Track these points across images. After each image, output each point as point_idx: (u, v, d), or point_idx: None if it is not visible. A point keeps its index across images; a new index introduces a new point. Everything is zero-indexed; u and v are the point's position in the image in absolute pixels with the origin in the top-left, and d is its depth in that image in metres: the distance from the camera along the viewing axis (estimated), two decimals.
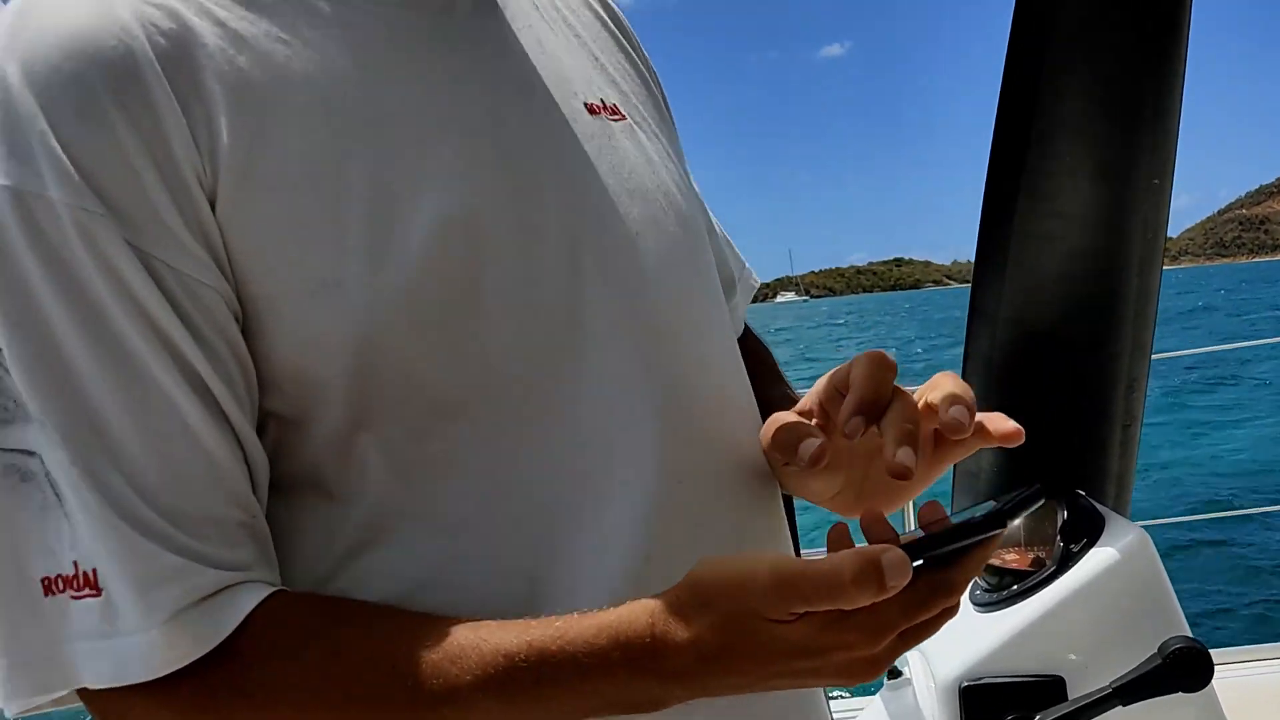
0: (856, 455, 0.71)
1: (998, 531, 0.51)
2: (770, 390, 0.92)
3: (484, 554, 0.71)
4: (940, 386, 0.67)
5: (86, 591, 0.61)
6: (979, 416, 0.66)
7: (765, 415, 0.85)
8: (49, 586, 0.60)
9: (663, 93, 0.93)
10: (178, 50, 0.63)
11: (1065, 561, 1.05)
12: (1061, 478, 1.21)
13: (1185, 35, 0.90)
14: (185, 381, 0.62)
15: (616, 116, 0.78)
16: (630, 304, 0.73)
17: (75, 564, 0.61)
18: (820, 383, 0.72)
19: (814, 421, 0.71)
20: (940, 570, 0.53)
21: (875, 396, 0.64)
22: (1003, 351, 1.04)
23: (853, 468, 0.71)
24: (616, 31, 0.91)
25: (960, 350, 1.24)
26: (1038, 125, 0.88)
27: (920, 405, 0.65)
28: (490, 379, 0.70)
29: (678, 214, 0.80)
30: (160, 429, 0.62)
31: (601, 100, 0.78)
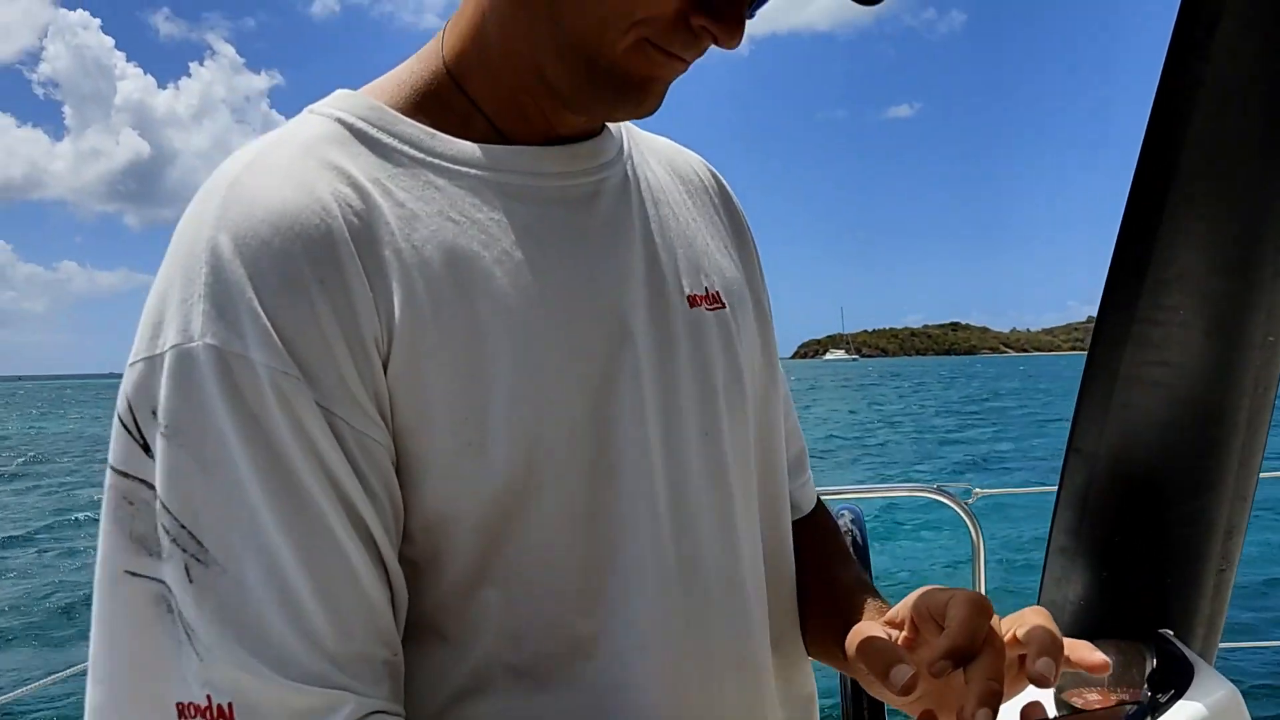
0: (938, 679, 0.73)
1: None
2: (840, 571, 0.99)
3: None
4: (1028, 623, 0.73)
5: None
6: (1066, 645, 0.72)
7: (831, 594, 0.93)
8: (183, 711, 0.65)
9: (759, 261, 1.01)
10: (366, 227, 0.70)
11: (1153, 712, 1.03)
12: (1151, 616, 1.19)
13: None
14: (355, 532, 0.68)
15: (715, 306, 0.88)
16: (696, 492, 0.81)
17: (209, 696, 0.65)
18: (914, 598, 0.78)
19: (903, 634, 0.78)
20: None
21: (969, 644, 0.69)
22: (1099, 489, 1.03)
23: (930, 685, 0.75)
24: (729, 208, 0.99)
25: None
26: (1152, 275, 0.88)
27: (1008, 637, 0.72)
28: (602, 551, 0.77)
29: (749, 409, 0.87)
30: (332, 575, 0.67)
31: (706, 289, 0.88)
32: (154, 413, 0.67)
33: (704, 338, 0.86)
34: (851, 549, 1.70)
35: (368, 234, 0.71)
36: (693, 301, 0.86)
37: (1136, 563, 1.18)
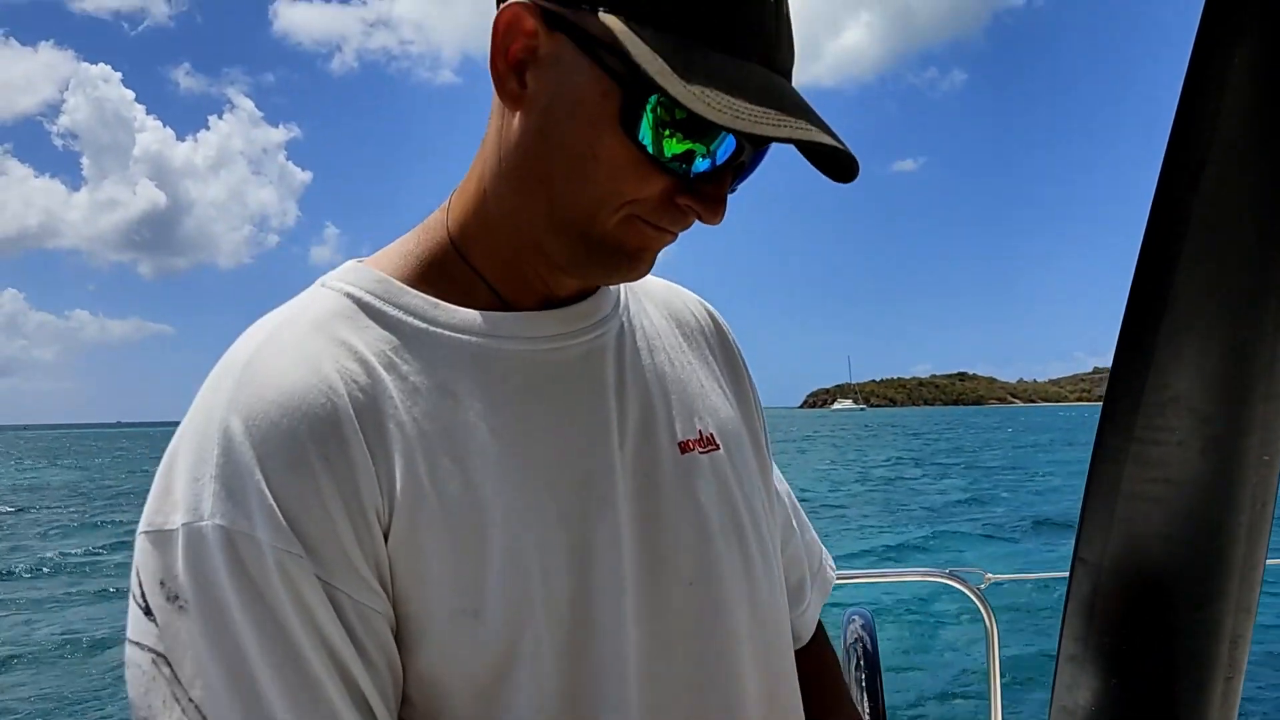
0: None
1: None
2: (834, 712, 1.00)
3: None
4: None
5: None
6: None
7: None
8: None
9: (756, 399, 1.05)
10: (370, 401, 0.76)
11: None
12: None
13: None
14: (353, 701, 0.73)
15: (709, 448, 0.92)
16: (681, 648, 0.85)
17: None
18: None
19: None
20: None
21: None
22: (1105, 599, 1.05)
23: None
24: (725, 348, 1.03)
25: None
26: (1148, 397, 0.92)
27: None
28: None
29: (739, 551, 0.91)
30: None
31: (699, 432, 0.92)
32: (161, 583, 0.71)
33: (696, 482, 0.90)
34: (861, 657, 1.72)
35: (372, 408, 0.76)
36: (684, 447, 0.90)
37: (1145, 671, 1.20)
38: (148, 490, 0.74)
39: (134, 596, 0.72)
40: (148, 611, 0.71)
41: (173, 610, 0.69)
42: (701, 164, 0.76)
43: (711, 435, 0.95)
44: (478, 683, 0.76)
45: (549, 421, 0.83)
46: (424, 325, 0.82)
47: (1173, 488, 1.05)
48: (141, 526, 0.73)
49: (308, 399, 0.73)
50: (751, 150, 0.80)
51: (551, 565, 0.79)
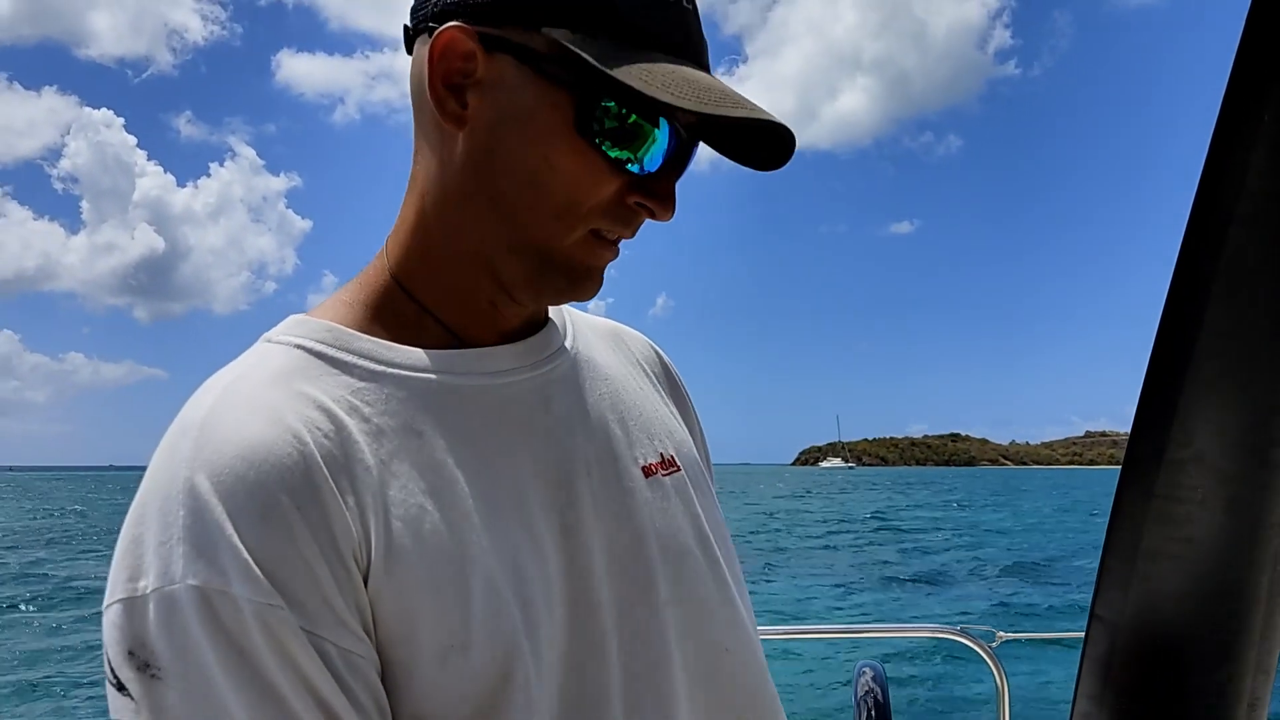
0: None
1: None
2: None
3: None
4: None
5: None
6: None
7: None
8: None
9: (701, 430, 1.08)
10: (337, 447, 0.76)
11: None
12: None
13: None
14: None
15: (670, 470, 0.94)
16: (660, 666, 0.85)
17: None
18: None
19: None
20: None
21: None
22: (1122, 658, 1.05)
23: None
24: (671, 381, 1.07)
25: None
26: (1170, 455, 0.92)
27: None
28: None
29: (712, 568, 0.93)
30: None
31: (660, 454, 0.93)
32: (130, 654, 0.68)
33: (663, 504, 0.91)
34: (872, 708, 1.70)
35: (340, 454, 0.75)
36: (648, 471, 0.92)
37: None
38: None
39: (107, 676, 0.70)
40: (120, 688, 0.69)
41: (145, 680, 0.67)
42: (649, 162, 0.80)
43: (672, 457, 0.97)
44: (475, 715, 0.76)
45: (514, 455, 0.84)
46: (380, 367, 0.81)
47: (1193, 547, 1.05)
48: (107, 600, 0.70)
49: (273, 449, 0.72)
50: (691, 144, 0.83)
51: (532, 595, 0.79)
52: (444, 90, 0.81)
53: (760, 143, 0.82)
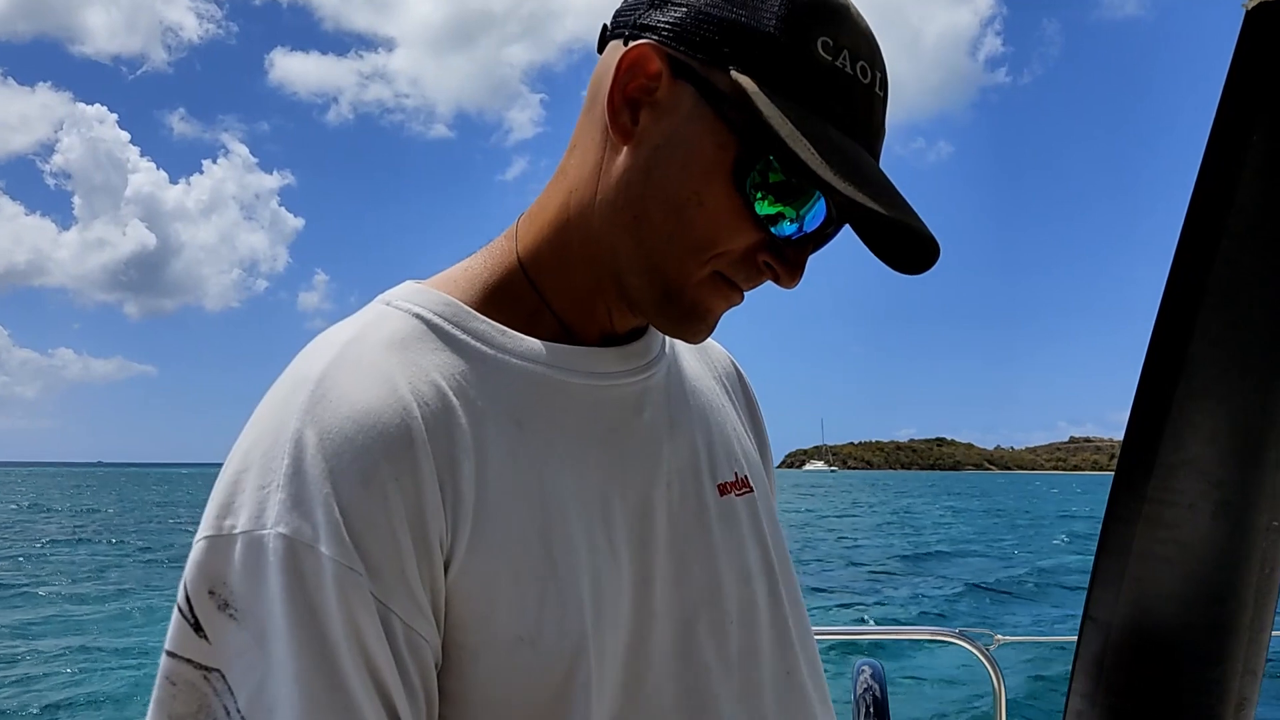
0: None
1: None
2: None
3: None
4: None
5: None
6: None
7: None
8: None
9: (769, 451, 1.09)
10: (441, 427, 0.77)
11: None
12: None
13: None
14: None
15: (743, 490, 0.95)
16: (708, 688, 0.87)
17: None
18: None
19: None
20: None
21: None
22: (1115, 657, 1.08)
23: None
24: (749, 399, 1.08)
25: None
26: (1162, 459, 0.95)
27: None
28: None
29: (773, 591, 0.94)
30: None
31: (735, 474, 0.95)
32: (211, 592, 0.70)
33: (735, 523, 0.93)
34: (871, 706, 1.72)
35: (443, 434, 0.76)
36: (723, 490, 0.93)
37: None
38: None
39: (180, 608, 0.70)
40: (196, 627, 0.69)
41: (224, 619, 0.68)
42: (791, 228, 0.80)
43: (745, 478, 0.98)
44: (534, 710, 0.76)
45: (605, 458, 0.85)
46: (492, 352, 0.82)
47: (1183, 550, 1.08)
48: (200, 533, 0.72)
49: (384, 417, 0.73)
50: (838, 225, 0.83)
51: (604, 599, 0.80)
52: (621, 102, 0.81)
53: (903, 243, 0.82)
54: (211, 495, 0.73)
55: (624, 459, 0.87)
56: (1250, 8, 0.81)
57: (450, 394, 0.79)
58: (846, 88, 0.79)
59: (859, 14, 0.83)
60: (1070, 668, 1.21)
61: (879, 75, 0.82)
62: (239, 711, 0.68)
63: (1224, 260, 0.97)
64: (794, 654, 0.96)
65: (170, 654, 0.70)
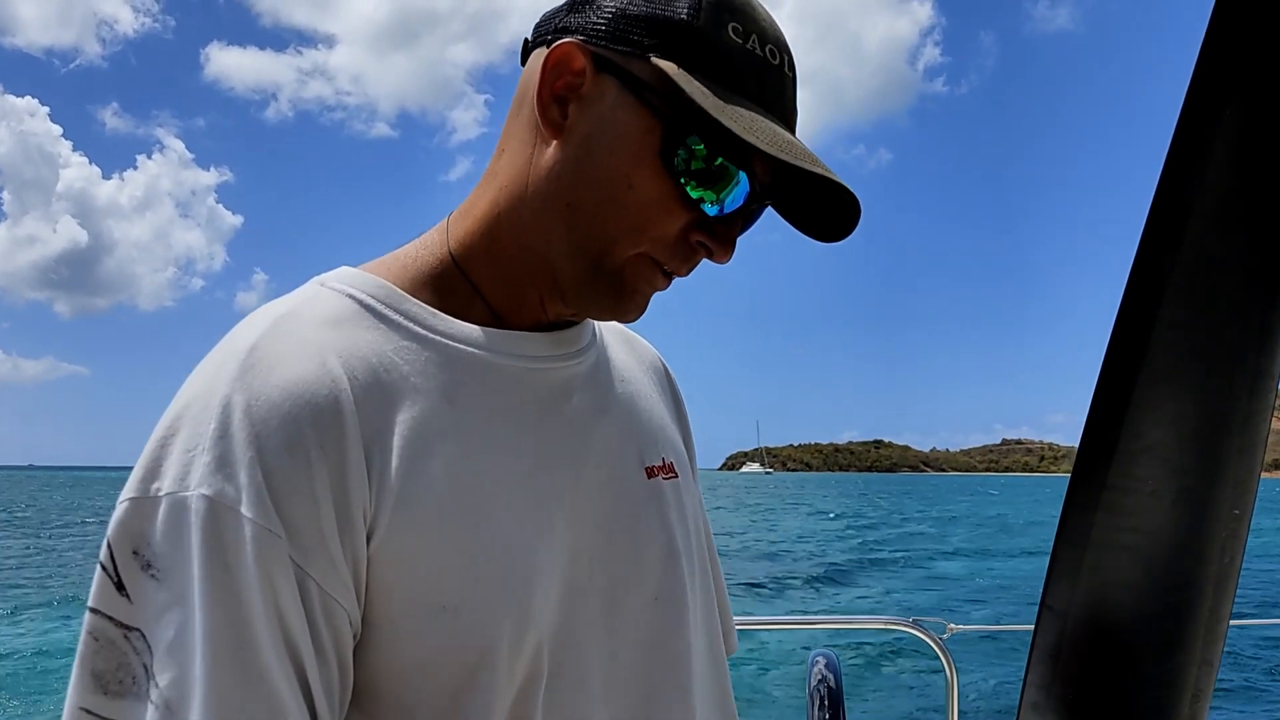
0: None
1: None
2: None
3: None
4: None
5: None
6: None
7: None
8: None
9: (691, 442, 1.13)
10: (370, 401, 0.78)
11: None
12: None
13: (1274, 378, 0.95)
14: (299, 689, 0.72)
15: (669, 475, 0.98)
16: (640, 657, 0.90)
17: None
18: None
19: None
20: None
21: None
22: (1070, 647, 1.06)
23: None
24: (673, 390, 1.11)
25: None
26: (1123, 446, 0.93)
27: None
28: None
29: (701, 571, 0.98)
30: None
31: (662, 459, 0.98)
32: (135, 553, 0.71)
33: (662, 505, 0.95)
34: (825, 698, 1.72)
35: (372, 409, 0.78)
36: (650, 473, 0.96)
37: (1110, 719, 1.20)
38: None
39: (103, 565, 0.72)
40: (119, 586, 0.71)
41: (145, 579, 0.70)
42: (724, 205, 0.85)
43: (671, 464, 1.02)
44: (450, 679, 0.77)
45: (534, 438, 0.87)
46: (424, 332, 0.85)
47: (1143, 537, 1.07)
48: (124, 494, 0.73)
49: (312, 388, 0.75)
50: (764, 198, 0.88)
51: (530, 571, 0.81)
52: (550, 99, 0.86)
53: (825, 211, 0.87)
54: (141, 457, 0.74)
55: (554, 440, 0.89)
56: None
57: (381, 371, 0.81)
58: (760, 68, 0.84)
59: (762, 4, 0.88)
60: (1026, 658, 1.20)
61: (787, 58, 0.87)
62: (151, 673, 0.68)
63: (1191, 242, 0.95)
64: (711, 631, 1.01)
65: (93, 610, 0.71)
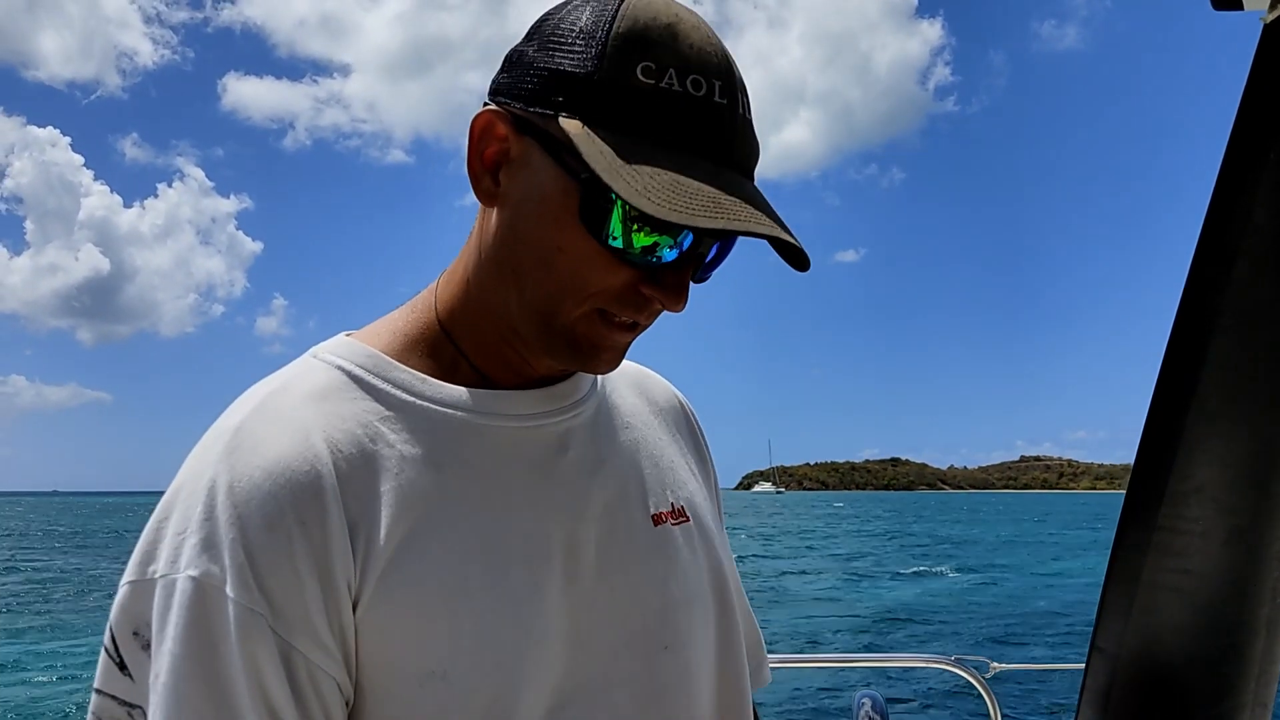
0: None
1: None
2: None
3: None
4: None
5: None
6: None
7: None
8: None
9: (716, 484, 1.10)
10: (354, 472, 0.80)
11: None
12: None
13: None
14: None
15: (680, 520, 0.96)
16: (645, 709, 0.88)
17: None
18: None
19: None
20: None
21: None
22: (1121, 690, 1.05)
23: None
24: (692, 432, 1.09)
25: None
26: (1173, 486, 0.93)
27: None
28: None
29: (719, 614, 0.96)
30: None
31: (671, 504, 0.96)
32: (135, 634, 0.75)
33: (669, 552, 0.95)
34: None
35: (356, 478, 0.80)
36: (658, 520, 0.95)
37: None
38: None
39: (106, 647, 0.76)
40: (121, 665, 0.75)
41: (146, 660, 0.73)
42: (665, 254, 0.81)
43: (682, 508, 1.00)
44: None
45: (526, 496, 0.87)
46: (411, 399, 0.86)
47: (1193, 578, 1.05)
48: (125, 577, 0.77)
49: (292, 466, 0.77)
50: (711, 241, 0.84)
51: (526, 632, 0.82)
52: (480, 169, 0.85)
53: (779, 246, 0.82)
54: (140, 541, 0.78)
55: (548, 497, 0.89)
56: (1269, 22, 0.79)
57: (367, 441, 0.82)
58: (679, 106, 0.79)
59: (693, 29, 0.83)
60: (1077, 698, 1.19)
61: (718, 84, 0.81)
62: None
63: (1238, 282, 0.95)
64: (730, 676, 0.99)
65: (98, 691, 0.75)
